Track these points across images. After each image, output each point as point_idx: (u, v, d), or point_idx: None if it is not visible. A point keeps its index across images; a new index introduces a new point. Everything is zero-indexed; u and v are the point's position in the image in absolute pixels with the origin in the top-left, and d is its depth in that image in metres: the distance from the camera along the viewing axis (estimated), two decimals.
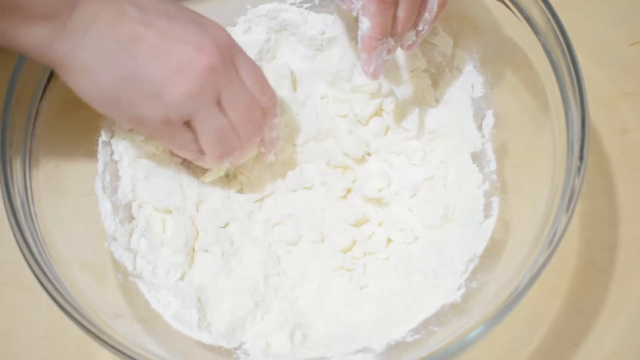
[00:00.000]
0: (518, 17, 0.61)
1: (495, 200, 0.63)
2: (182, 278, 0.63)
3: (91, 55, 0.53)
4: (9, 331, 0.64)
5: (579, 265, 0.65)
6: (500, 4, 0.63)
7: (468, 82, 0.68)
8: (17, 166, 0.58)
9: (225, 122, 0.58)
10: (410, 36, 0.61)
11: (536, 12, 0.60)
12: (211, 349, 0.59)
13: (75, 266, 0.58)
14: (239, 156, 0.61)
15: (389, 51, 0.61)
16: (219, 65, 0.55)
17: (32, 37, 0.51)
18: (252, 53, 0.70)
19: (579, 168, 0.54)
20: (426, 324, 0.58)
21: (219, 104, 0.57)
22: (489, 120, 0.66)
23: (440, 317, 0.58)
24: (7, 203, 0.56)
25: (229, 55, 0.57)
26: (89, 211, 0.62)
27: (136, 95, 0.54)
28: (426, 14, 0.60)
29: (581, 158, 0.54)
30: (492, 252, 0.60)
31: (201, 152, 0.59)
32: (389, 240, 0.65)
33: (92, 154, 0.64)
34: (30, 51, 0.53)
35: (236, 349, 0.59)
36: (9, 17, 0.50)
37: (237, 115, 0.58)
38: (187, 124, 0.57)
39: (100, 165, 0.64)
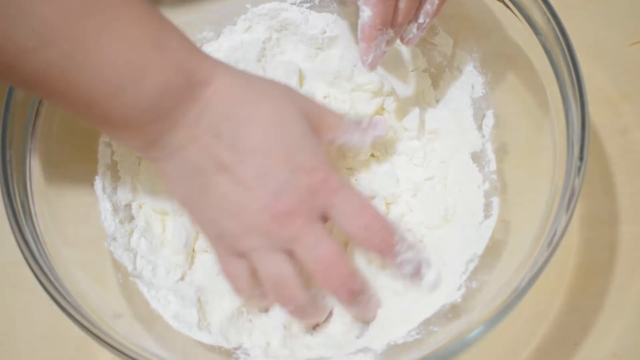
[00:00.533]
0: (518, 17, 0.61)
1: (495, 200, 0.63)
2: (182, 278, 0.63)
3: (173, 172, 0.54)
4: (9, 331, 0.64)
5: (579, 265, 0.65)
6: (500, 4, 0.63)
7: (468, 82, 0.68)
8: (17, 166, 0.58)
9: (286, 270, 0.54)
10: (411, 29, 0.61)
11: (536, 12, 0.60)
12: (211, 349, 0.59)
13: (75, 266, 0.58)
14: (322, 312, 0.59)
15: (388, 42, 0.61)
16: (288, 221, 0.53)
17: (126, 142, 0.57)
18: (254, 52, 0.70)
19: (579, 168, 0.54)
20: (426, 324, 0.58)
21: (287, 253, 0.54)
22: (489, 120, 0.66)
23: (440, 317, 0.58)
24: (7, 203, 0.56)
25: (315, 205, 0.54)
26: (89, 211, 0.62)
27: (199, 213, 0.55)
28: (427, 6, 0.60)
29: (581, 158, 0.54)
30: (492, 252, 0.60)
31: (263, 293, 0.57)
32: None
33: (92, 154, 0.64)
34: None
35: (236, 349, 0.59)
36: (101, 125, 0.55)
37: (312, 268, 0.54)
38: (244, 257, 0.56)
39: (100, 165, 0.64)
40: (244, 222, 0.54)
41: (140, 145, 0.54)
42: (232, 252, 0.56)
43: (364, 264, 0.63)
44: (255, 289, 0.57)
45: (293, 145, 0.54)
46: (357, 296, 0.56)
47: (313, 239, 0.54)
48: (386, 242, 0.55)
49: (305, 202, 0.53)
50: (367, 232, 0.55)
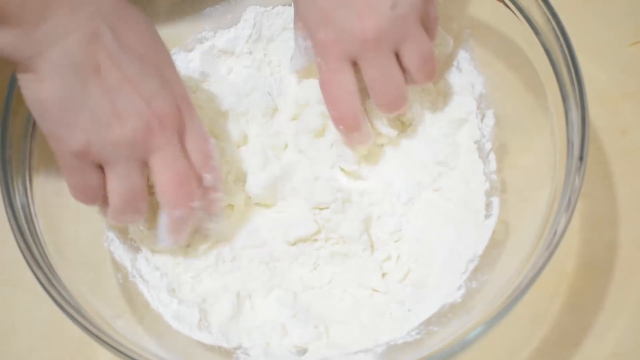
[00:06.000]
0: (518, 17, 0.61)
1: (495, 200, 0.63)
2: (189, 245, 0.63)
3: (49, 69, 0.52)
4: (9, 331, 0.64)
5: (579, 265, 0.65)
6: (500, 4, 0.63)
7: (468, 82, 0.67)
8: (17, 166, 0.58)
9: (139, 183, 0.56)
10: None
11: (536, 12, 0.60)
12: (211, 349, 0.59)
13: (75, 266, 0.58)
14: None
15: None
16: (158, 128, 0.55)
17: (2, 39, 0.51)
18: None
19: (579, 168, 0.54)
20: (426, 324, 0.58)
21: (143, 163, 0.55)
22: (489, 120, 0.66)
23: (440, 317, 0.58)
24: (7, 203, 0.56)
25: (178, 120, 0.56)
26: (89, 211, 0.62)
27: (69, 119, 0.53)
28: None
29: (581, 158, 0.54)
30: (492, 252, 0.60)
31: (105, 201, 0.57)
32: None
33: None
34: None
35: (236, 349, 0.59)
36: None
37: (164, 180, 0.56)
38: (100, 167, 0.55)
39: None
40: (115, 129, 0.53)
41: (16, 37, 0.51)
42: (91, 163, 0.55)
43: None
44: (99, 200, 0.57)
45: (162, 58, 0.57)
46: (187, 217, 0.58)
47: (171, 153, 0.56)
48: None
49: (174, 114, 0.56)
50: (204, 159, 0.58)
